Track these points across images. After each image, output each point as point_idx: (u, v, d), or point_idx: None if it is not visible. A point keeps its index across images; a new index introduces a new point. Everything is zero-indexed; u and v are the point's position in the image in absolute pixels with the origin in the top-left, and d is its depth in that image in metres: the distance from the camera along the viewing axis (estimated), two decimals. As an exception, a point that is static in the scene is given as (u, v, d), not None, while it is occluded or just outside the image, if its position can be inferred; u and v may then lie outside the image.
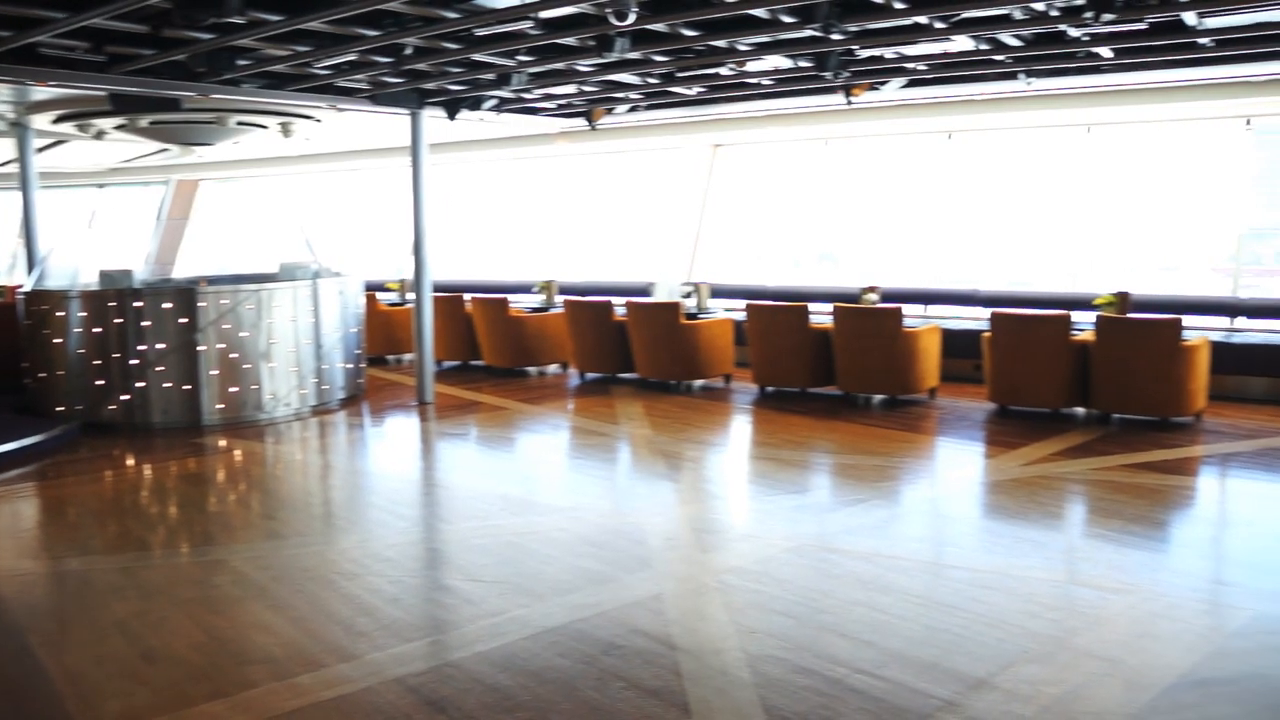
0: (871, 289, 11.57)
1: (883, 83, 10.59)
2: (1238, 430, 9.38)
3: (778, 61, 9.52)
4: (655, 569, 5.96)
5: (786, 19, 7.76)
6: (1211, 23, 7.91)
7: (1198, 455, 8.59)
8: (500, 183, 18.71)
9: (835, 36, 8.03)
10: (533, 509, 7.36)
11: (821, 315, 11.34)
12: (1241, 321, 11.59)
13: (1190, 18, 7.67)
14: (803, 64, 9.48)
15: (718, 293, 13.74)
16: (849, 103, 11.04)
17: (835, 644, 4.86)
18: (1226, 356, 10.60)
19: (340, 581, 5.85)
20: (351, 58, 8.97)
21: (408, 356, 14.82)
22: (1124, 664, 4.59)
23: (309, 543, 6.65)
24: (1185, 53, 8.97)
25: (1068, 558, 6.32)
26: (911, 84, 10.77)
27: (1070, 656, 4.68)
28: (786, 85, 10.83)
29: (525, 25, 7.91)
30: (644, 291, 13.75)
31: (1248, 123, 12.00)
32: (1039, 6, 7.49)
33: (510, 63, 9.36)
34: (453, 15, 7.49)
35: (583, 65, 9.49)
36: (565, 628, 5.08)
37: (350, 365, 11.60)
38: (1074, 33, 8.16)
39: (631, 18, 7.37)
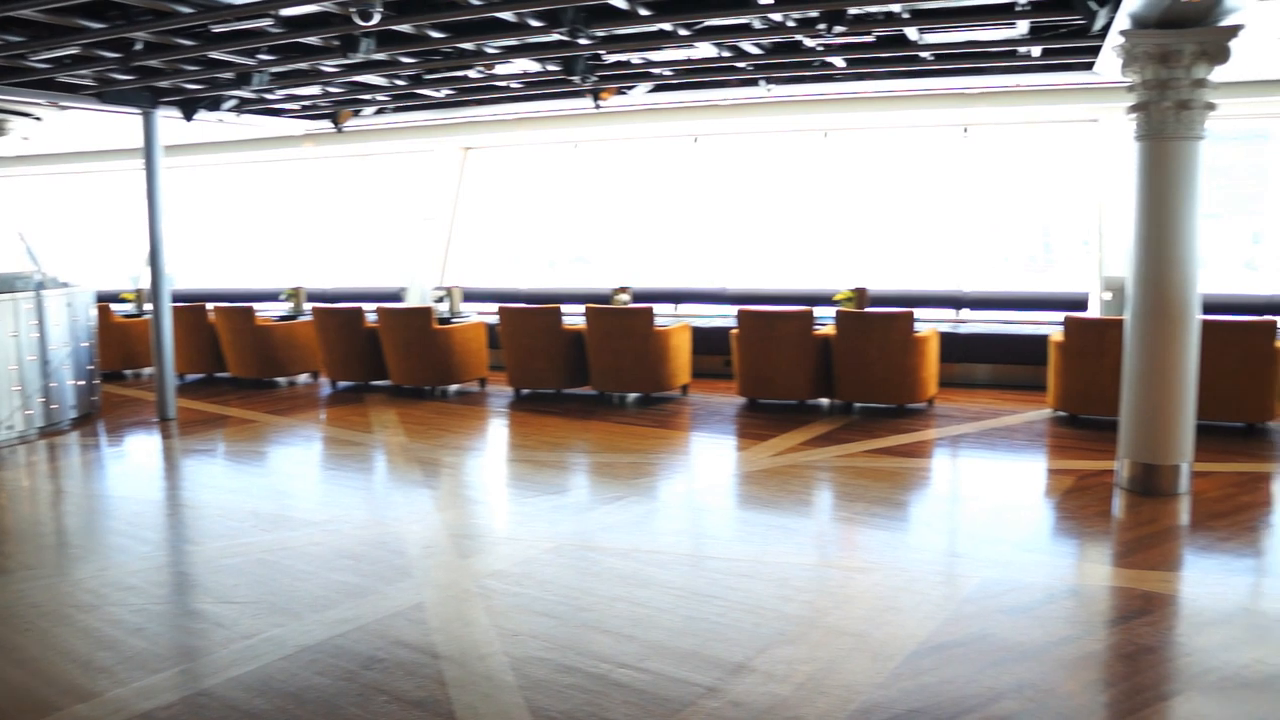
0: (623, 290, 11.77)
1: (630, 87, 10.79)
2: (965, 413, 10.11)
3: (526, 65, 9.55)
4: (415, 578, 5.86)
5: (534, 23, 7.79)
6: (931, 39, 8.49)
7: (931, 438, 9.20)
8: (245, 187, 17.92)
9: (582, 41, 8.11)
10: (286, 524, 7.08)
11: (574, 317, 11.45)
12: (966, 313, 12.50)
13: (912, 33, 8.21)
14: (551, 68, 9.55)
15: (471, 296, 13.64)
16: (597, 106, 11.19)
17: (598, 640, 4.91)
18: (954, 346, 11.41)
19: (76, 615, 5.44)
20: (74, 51, 8.37)
21: (147, 371, 13.97)
22: (870, 637, 4.86)
23: (38, 575, 6.13)
24: (909, 65, 9.59)
25: (817, 542, 6.63)
26: (658, 89, 11.02)
27: (822, 635, 4.91)
28: (535, 89, 10.87)
29: (265, 23, 7.61)
30: (396, 297, 13.49)
31: (965, 130, 12.94)
32: (776, 17, 7.82)
33: (250, 61, 8.98)
34: (186, 10, 7.11)
35: (327, 66, 9.22)
36: (324, 645, 4.92)
37: (82, 382, 10.82)
38: (809, 43, 8.56)
39: (376, 18, 7.22)
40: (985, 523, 6.97)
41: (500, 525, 7.24)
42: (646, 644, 4.84)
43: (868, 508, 7.14)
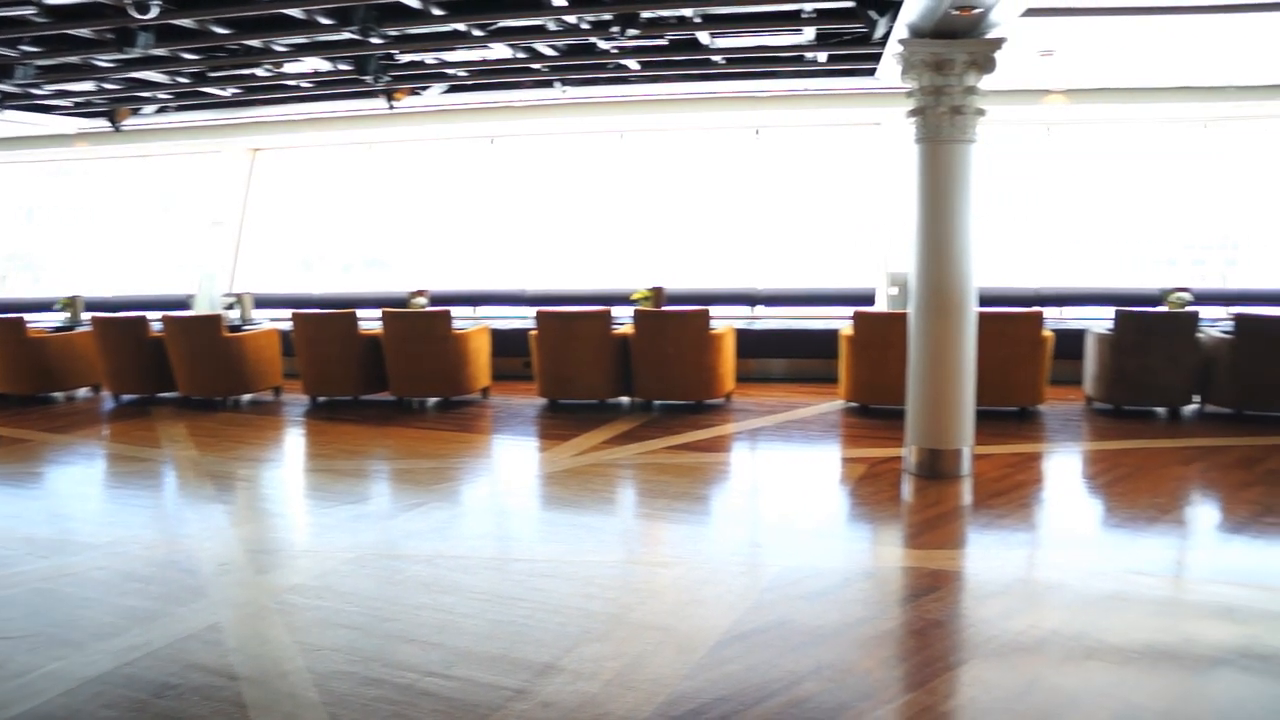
0: (420, 293, 11.58)
1: (424, 88, 10.64)
2: (762, 407, 10.39)
3: (317, 64, 9.28)
4: (210, 598, 5.58)
5: (323, 20, 7.57)
6: (722, 43, 8.70)
7: (729, 433, 9.42)
8: (12, 189, 16.70)
9: (374, 40, 7.94)
10: (65, 549, 6.61)
11: (371, 321, 11.17)
12: (761, 310, 12.88)
13: (704, 37, 8.39)
14: (343, 67, 9.31)
15: (263, 303, 13.13)
16: (391, 107, 10.98)
17: (403, 650, 4.81)
18: (750, 342, 11.72)
19: None
20: None
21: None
22: (676, 630, 4.93)
23: None
24: (702, 68, 9.80)
25: (621, 539, 6.68)
26: (453, 89, 10.91)
27: (628, 631, 4.94)
28: (327, 88, 10.58)
29: (29, 11, 7.10)
30: (183, 305, 12.86)
31: (756, 132, 13.33)
32: (570, 19, 7.85)
33: (12, 53, 8.37)
34: (-67, -7, 6.60)
35: (102, 60, 8.69)
36: (111, 675, 4.61)
37: None
38: (603, 45, 8.64)
39: (154, 11, 6.84)
40: (783, 512, 7.20)
41: (299, 538, 6.99)
42: (453, 650, 4.77)
43: (669, 503, 7.25)
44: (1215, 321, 10.16)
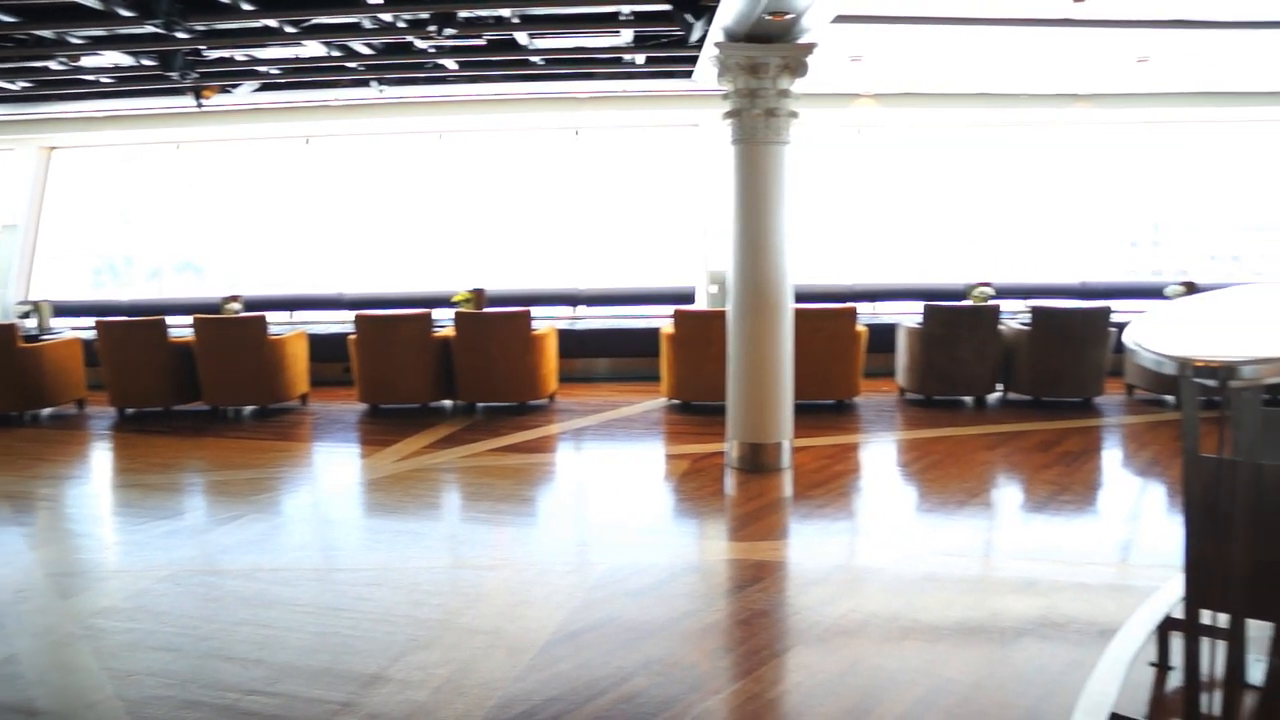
0: (234, 298, 11.16)
1: (235, 85, 10.26)
2: (586, 407, 10.43)
3: (117, 58, 8.82)
4: (6, 628, 5.23)
5: (124, 12, 7.20)
6: (540, 44, 8.69)
7: (554, 433, 9.42)
8: None
9: (179, 35, 7.61)
10: None
11: (182, 328, 10.70)
12: (583, 310, 12.93)
13: (523, 38, 8.36)
14: (146, 62, 8.89)
15: (63, 310, 12.43)
16: (200, 105, 10.55)
17: (223, 669, 4.62)
18: (573, 342, 11.75)
19: None
20: None
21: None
22: (505, 633, 4.90)
23: None
24: (521, 69, 9.77)
25: (447, 544, 6.60)
26: (265, 88, 10.56)
27: (456, 636, 4.89)
28: (129, 84, 10.08)
29: None
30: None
31: (576, 133, 13.37)
32: (386, 17, 7.71)
33: None
34: None
35: None
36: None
37: None
38: (421, 44, 8.51)
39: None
40: (610, 511, 7.25)
41: (108, 558, 6.62)
42: (275, 666, 4.62)
43: (495, 505, 7.21)
44: (1015, 314, 10.75)
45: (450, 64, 9.48)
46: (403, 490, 7.63)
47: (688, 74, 9.91)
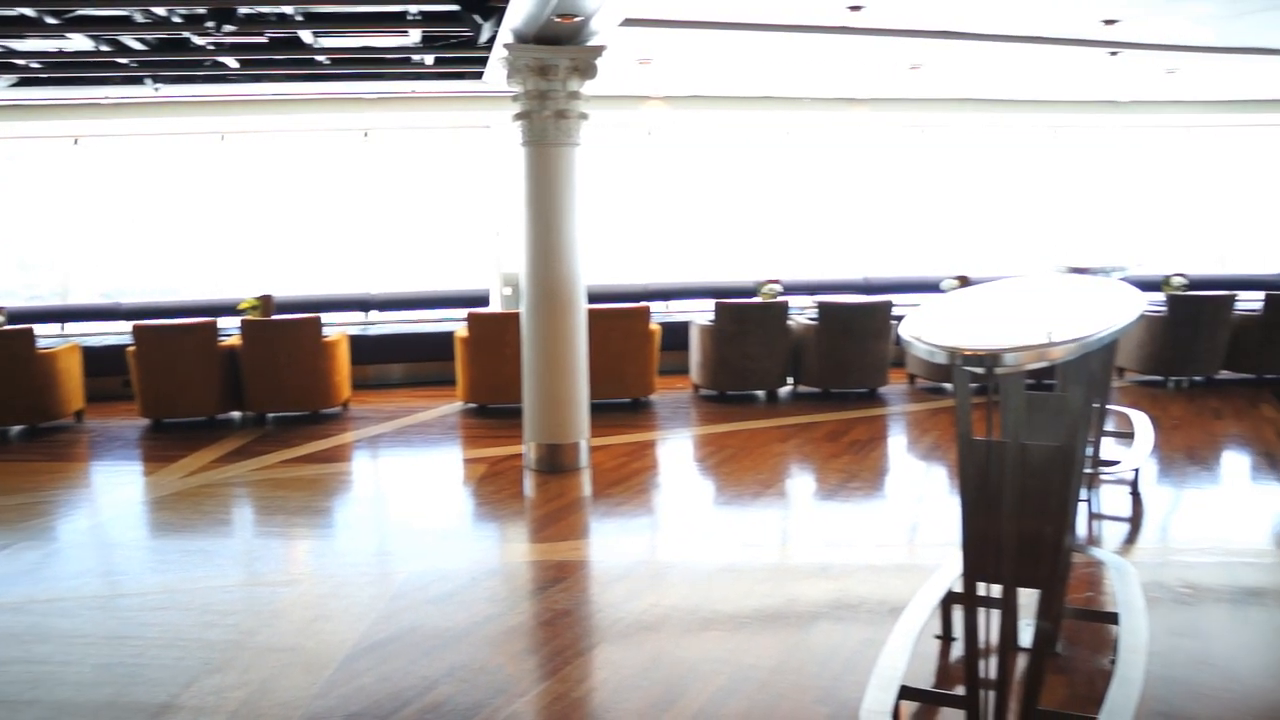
0: (-7, 311, 10.42)
1: (-14, 79, 9.56)
2: (381, 414, 10.23)
3: None
4: None
5: None
6: (326, 43, 8.46)
7: (349, 441, 9.19)
8: None
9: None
10: None
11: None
12: (375, 315, 12.67)
13: (308, 36, 8.12)
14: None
15: None
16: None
17: (-9, 707, 4.32)
18: (366, 348, 11.49)
19: None
20: None
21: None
22: (303, 649, 4.76)
23: None
24: (306, 68, 9.47)
25: (240, 561, 6.35)
26: (24, 82, 9.89)
27: (251, 656, 4.71)
28: None
29: None
30: None
31: (365, 134, 13.09)
32: (160, 11, 7.35)
33: None
34: None
35: None
36: None
37: None
38: (198, 41, 8.15)
39: None
40: (408, 518, 7.14)
41: None
42: (51, 706, 4.33)
43: (290, 518, 6.98)
44: (802, 310, 11.17)
45: (231, 62, 9.11)
46: (190, 507, 7.29)
47: (478, 75, 9.85)
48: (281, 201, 13.55)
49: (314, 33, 8.04)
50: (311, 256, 13.81)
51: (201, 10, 7.25)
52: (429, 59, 9.32)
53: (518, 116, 7.72)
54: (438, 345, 11.42)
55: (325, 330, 10.00)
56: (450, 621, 5.07)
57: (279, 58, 8.89)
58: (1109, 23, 8.35)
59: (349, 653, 4.70)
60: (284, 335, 9.82)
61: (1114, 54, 9.55)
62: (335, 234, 13.68)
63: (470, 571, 5.85)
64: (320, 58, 8.99)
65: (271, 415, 10.08)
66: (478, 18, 7.46)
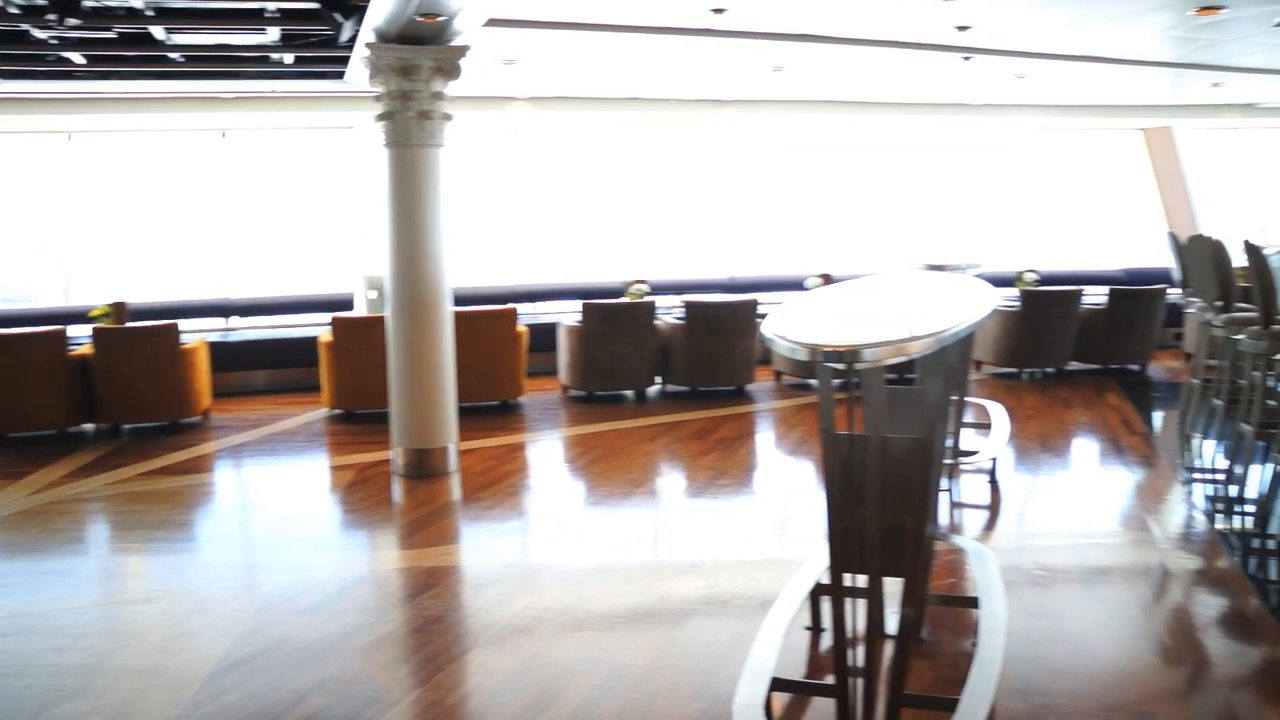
0: None
1: None
2: (244, 422, 9.94)
3: None
4: None
5: None
6: (180, 39, 8.17)
7: (211, 451, 8.91)
8: None
9: None
10: None
11: None
12: (236, 321, 12.31)
13: (159, 32, 7.83)
14: None
15: None
16: None
17: None
18: (227, 355, 11.15)
19: None
20: None
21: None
22: (164, 669, 4.59)
23: None
24: (159, 65, 9.13)
25: (95, 580, 6.09)
26: None
27: (109, 680, 4.52)
28: None
29: None
30: None
31: (223, 135, 12.71)
32: (-5, 2, 7.00)
33: None
34: None
35: None
36: None
37: None
38: (40, 34, 7.79)
39: None
40: (274, 528, 6.95)
41: None
42: (-113, 735, 4.10)
43: (149, 533, 6.73)
44: (669, 309, 11.26)
45: (77, 57, 8.71)
46: (39, 526, 6.95)
47: (339, 75, 9.65)
48: (135, 204, 13.05)
49: (166, 29, 7.76)
50: (168, 262, 13.35)
51: (43, 2, 6.92)
52: (288, 58, 9.09)
53: (380, 117, 7.60)
54: (301, 351, 11.16)
55: (183, 337, 9.67)
56: (319, 633, 4.96)
57: (129, 54, 8.56)
58: (962, 29, 8.63)
59: (213, 670, 4.55)
60: (139, 343, 9.46)
61: (967, 59, 9.89)
62: (193, 238, 13.24)
63: (339, 581, 5.73)
64: (173, 55, 8.68)
65: (127, 427, 9.70)
66: (338, 16, 7.31)
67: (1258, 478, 7.39)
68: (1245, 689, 4.31)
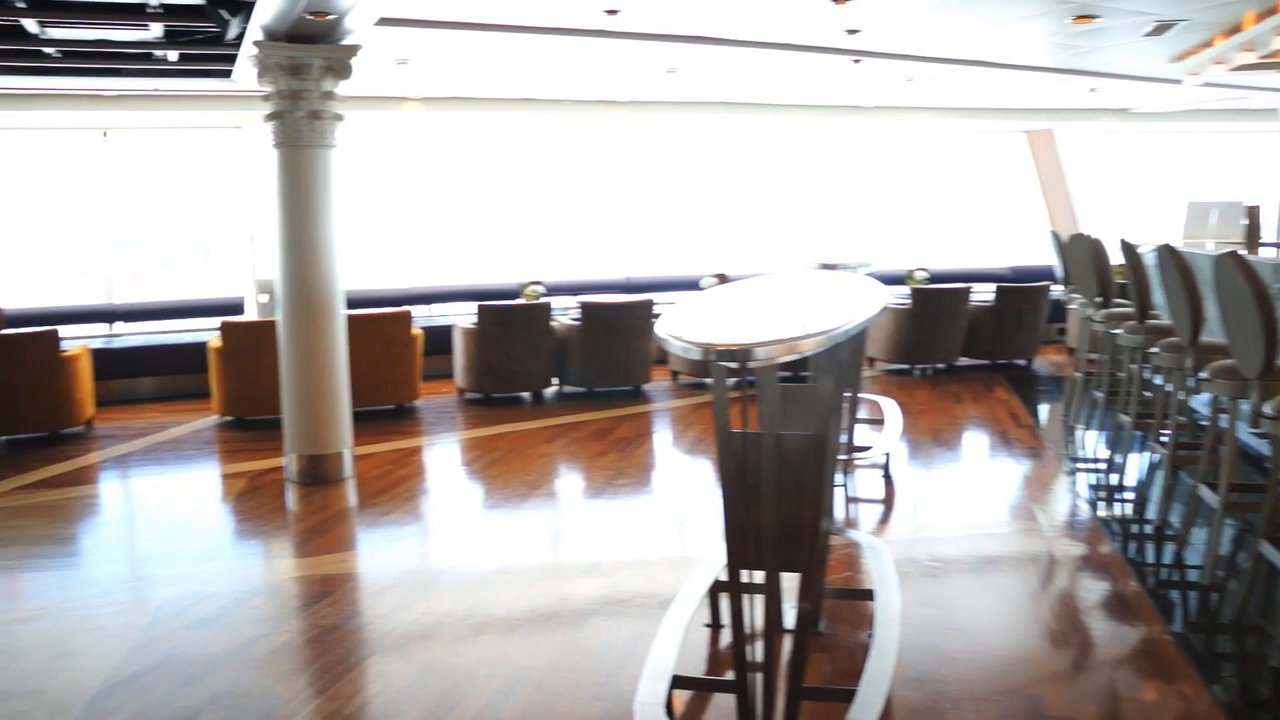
0: None
1: None
2: (130, 431, 9.63)
3: None
4: None
5: None
6: (56, 34, 7.88)
7: (94, 462, 8.61)
8: None
9: None
10: None
11: None
12: (121, 326, 11.93)
13: (32, 25, 7.55)
14: None
15: None
16: None
17: None
18: (111, 362, 10.81)
19: None
20: None
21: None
22: (45, 691, 4.42)
23: None
24: (34, 60, 8.80)
25: (-31, 596, 5.85)
26: None
27: (-15, 699, 4.35)
28: None
29: None
30: None
31: (104, 134, 12.30)
32: None
33: None
34: None
35: None
36: None
37: None
38: (-102, 28, 7.45)
39: None
40: (163, 540, 6.75)
41: None
42: None
43: (27, 550, 6.46)
44: (565, 310, 11.25)
45: (-59, 54, 8.37)
46: (-92, 542, 6.65)
47: (226, 74, 9.41)
48: (11, 206, 12.56)
49: (39, 22, 7.48)
50: (47, 266, 12.89)
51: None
52: (172, 55, 8.84)
53: (269, 117, 7.44)
54: (190, 357, 10.86)
55: (64, 344, 9.34)
56: (212, 646, 4.83)
57: (1, 49, 8.23)
58: (852, 32, 8.79)
59: (98, 690, 4.39)
60: (16, 351, 9.11)
61: (857, 62, 10.07)
62: (74, 241, 12.79)
63: (232, 592, 5.59)
64: (49, 50, 8.37)
65: (3, 438, 9.32)
66: (224, 13, 7.14)
67: (1136, 466, 7.69)
68: (1125, 667, 4.47)
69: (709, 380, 10.95)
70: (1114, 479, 7.48)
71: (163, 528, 7.02)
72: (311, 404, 7.61)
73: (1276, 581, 5.00)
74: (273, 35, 7.09)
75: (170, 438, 9.41)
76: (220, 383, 9.66)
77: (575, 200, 14.53)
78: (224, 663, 4.64)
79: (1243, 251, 5.82)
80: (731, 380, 3.33)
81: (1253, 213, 8.93)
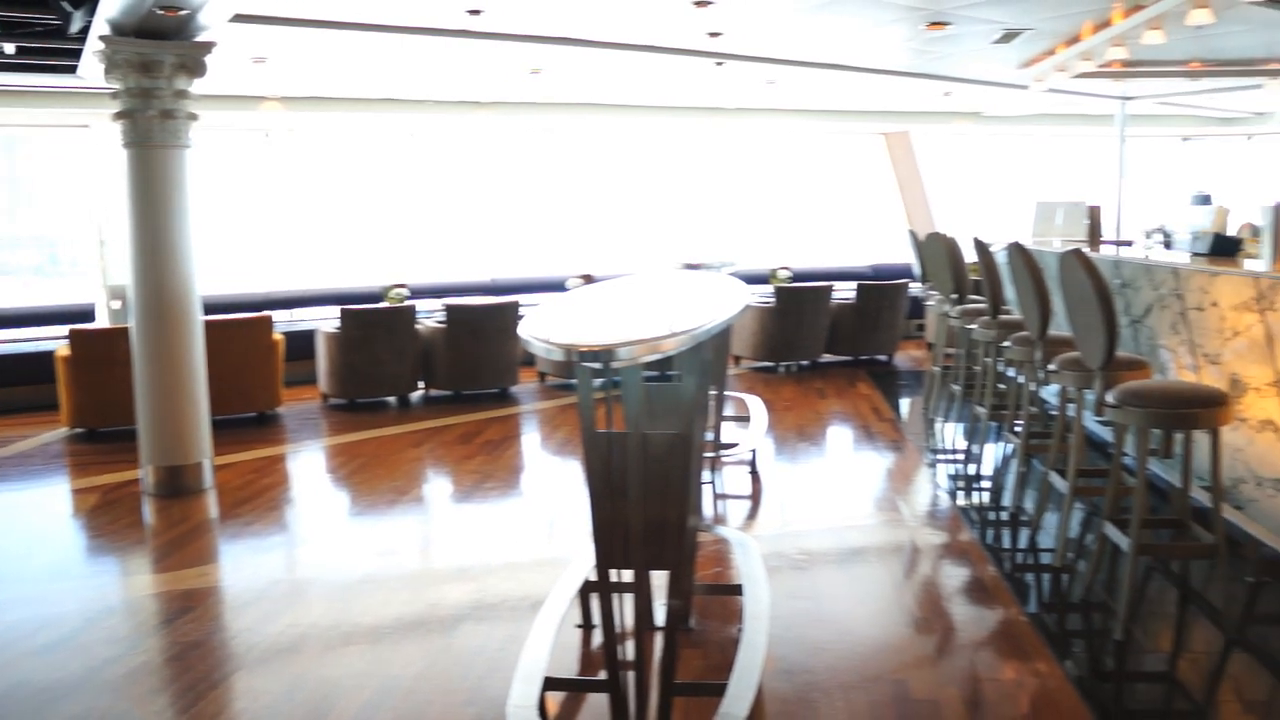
0: None
1: None
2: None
3: None
4: None
5: None
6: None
7: (-69, 481, 8.18)
8: None
9: None
10: None
11: None
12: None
13: None
14: None
15: None
16: None
17: None
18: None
19: None
20: None
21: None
22: (-121, 719, 4.18)
23: None
24: None
25: None
26: None
27: None
28: None
29: None
30: None
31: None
32: None
33: None
34: None
35: None
36: None
37: None
38: None
39: None
40: (7, 561, 6.40)
41: None
42: None
43: None
44: (430, 313, 11.12)
45: None
46: None
47: (72, 69, 9.03)
48: None
49: None
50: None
51: None
52: (9, 48, 8.44)
53: (118, 116, 7.16)
54: (35, 366, 10.38)
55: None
56: (63, 671, 4.62)
57: None
58: (714, 35, 8.91)
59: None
60: None
61: (720, 64, 10.21)
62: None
63: (84, 612, 5.36)
64: None
65: None
66: (67, 5, 6.85)
67: (992, 456, 7.99)
68: (985, 649, 4.64)
69: (575, 381, 11.02)
70: (972, 469, 7.75)
71: (7, 548, 6.68)
72: (168, 413, 7.35)
73: (1120, 560, 5.25)
74: (120, 30, 6.83)
75: (15, 452, 8.98)
76: (69, 393, 9.26)
77: (440, 202, 14.37)
78: (77, 687, 4.45)
79: (1086, 249, 6.09)
80: (597, 381, 3.34)
81: (1094, 212, 9.35)
